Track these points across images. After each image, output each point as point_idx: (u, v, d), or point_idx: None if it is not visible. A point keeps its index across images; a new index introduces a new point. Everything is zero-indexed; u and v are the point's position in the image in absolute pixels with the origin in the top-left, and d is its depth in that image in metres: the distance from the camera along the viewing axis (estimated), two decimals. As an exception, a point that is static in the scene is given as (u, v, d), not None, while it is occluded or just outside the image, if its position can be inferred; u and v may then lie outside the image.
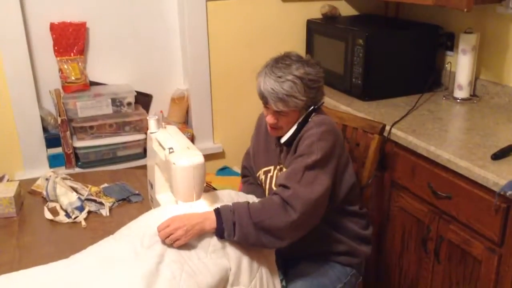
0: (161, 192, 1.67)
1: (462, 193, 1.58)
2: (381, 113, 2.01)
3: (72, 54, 2.26)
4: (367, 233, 1.65)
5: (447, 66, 2.30)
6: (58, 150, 2.27)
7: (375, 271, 2.07)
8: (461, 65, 2.11)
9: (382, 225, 1.99)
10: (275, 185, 1.58)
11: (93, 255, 1.34)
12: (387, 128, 1.83)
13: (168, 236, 1.34)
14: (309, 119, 1.52)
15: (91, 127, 2.27)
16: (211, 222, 1.39)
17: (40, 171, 2.09)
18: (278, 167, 1.61)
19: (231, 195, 1.61)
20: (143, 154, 2.36)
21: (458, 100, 2.14)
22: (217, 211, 1.40)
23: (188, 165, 1.45)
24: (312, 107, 1.52)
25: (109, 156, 2.32)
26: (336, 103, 2.18)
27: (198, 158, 1.48)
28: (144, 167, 1.87)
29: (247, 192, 1.69)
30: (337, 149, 1.50)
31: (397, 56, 2.19)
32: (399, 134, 1.82)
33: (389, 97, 2.20)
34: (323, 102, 1.58)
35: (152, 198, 1.73)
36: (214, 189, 2.17)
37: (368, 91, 2.18)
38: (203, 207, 1.50)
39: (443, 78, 2.33)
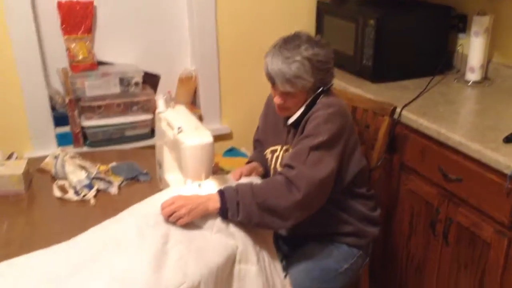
0: (170, 172, 1.67)
1: (473, 176, 1.57)
2: (391, 96, 1.98)
3: (79, 33, 2.24)
4: (375, 215, 1.64)
5: (459, 48, 2.26)
6: (66, 129, 2.27)
7: (382, 253, 2.07)
8: (474, 48, 2.08)
9: (390, 207, 1.99)
10: (280, 165, 1.57)
11: (97, 236, 1.34)
12: (398, 110, 1.81)
13: (172, 214, 1.34)
14: (318, 101, 1.50)
15: (99, 107, 2.26)
16: (215, 202, 1.38)
17: (48, 150, 2.09)
18: (284, 147, 1.60)
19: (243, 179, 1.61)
20: (151, 134, 2.36)
21: (470, 83, 2.11)
22: (221, 191, 1.40)
23: (197, 144, 1.45)
24: (321, 89, 1.50)
25: (117, 136, 2.32)
26: (346, 85, 2.16)
27: (207, 137, 1.48)
28: (152, 147, 1.86)
29: (257, 155, 1.73)
30: (345, 131, 1.48)
31: (408, 38, 2.16)
32: (409, 117, 1.80)
33: (400, 79, 2.17)
34: (333, 84, 1.56)
35: (160, 177, 1.73)
36: (222, 169, 2.18)
37: (378, 73, 2.15)
38: (211, 187, 1.50)
39: (455, 61, 2.30)
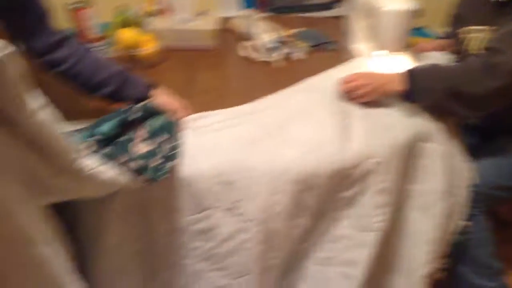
0: (358, 41, 1.58)
1: None
2: None
3: None
4: None
5: None
6: (251, -8, 2.26)
7: None
8: None
9: None
10: (481, 48, 1.36)
11: (282, 104, 1.32)
12: None
13: (353, 91, 1.27)
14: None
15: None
16: (400, 84, 1.27)
17: (232, 12, 2.10)
18: (487, 28, 1.37)
19: (431, 55, 1.48)
20: (334, 4, 2.25)
21: None
22: (409, 72, 1.28)
23: (396, 9, 1.33)
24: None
25: (299, 3, 2.26)
26: None
27: (407, 3, 1.34)
28: (334, 18, 1.77)
29: (452, 32, 1.54)
30: None
31: None
32: None
33: None
34: None
35: (347, 47, 1.64)
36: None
37: None
38: (401, 62, 1.38)
39: None
